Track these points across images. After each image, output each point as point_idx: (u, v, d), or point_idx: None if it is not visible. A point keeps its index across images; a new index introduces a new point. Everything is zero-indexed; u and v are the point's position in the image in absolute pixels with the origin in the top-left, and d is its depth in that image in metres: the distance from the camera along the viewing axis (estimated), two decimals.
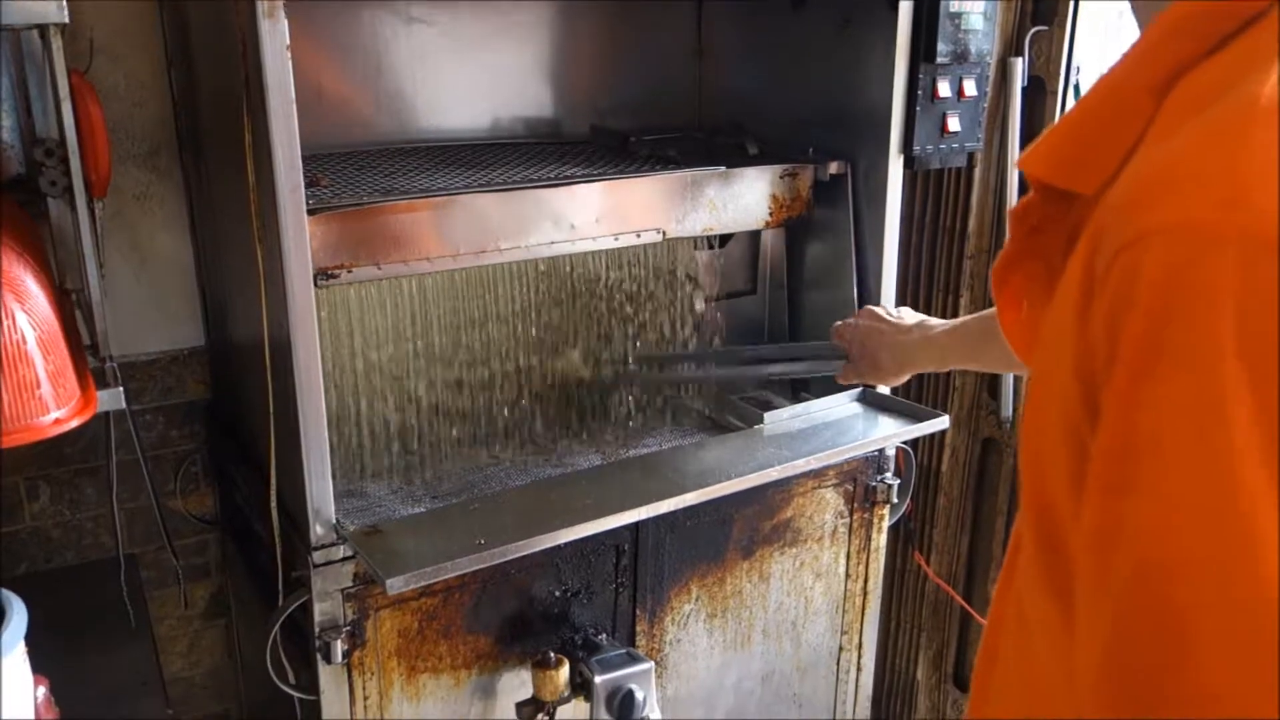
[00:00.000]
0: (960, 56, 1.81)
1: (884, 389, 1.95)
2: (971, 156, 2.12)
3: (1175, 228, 0.54)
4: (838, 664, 2.08)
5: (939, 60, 1.79)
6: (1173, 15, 0.64)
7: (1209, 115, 0.58)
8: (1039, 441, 0.67)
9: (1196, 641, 0.53)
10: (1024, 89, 2.23)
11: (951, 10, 1.77)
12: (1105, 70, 0.69)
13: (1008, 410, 2.39)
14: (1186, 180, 0.56)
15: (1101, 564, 0.57)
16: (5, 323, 1.17)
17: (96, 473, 2.00)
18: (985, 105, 1.90)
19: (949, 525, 2.55)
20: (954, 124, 1.85)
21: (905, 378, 1.70)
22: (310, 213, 1.39)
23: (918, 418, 1.86)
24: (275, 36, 1.29)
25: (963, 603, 2.53)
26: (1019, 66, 2.21)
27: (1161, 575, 0.54)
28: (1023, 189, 2.26)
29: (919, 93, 1.80)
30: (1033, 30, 2.21)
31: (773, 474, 1.69)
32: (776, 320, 2.13)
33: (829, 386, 1.94)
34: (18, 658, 1.24)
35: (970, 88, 1.85)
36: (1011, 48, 2.22)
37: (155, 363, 2.00)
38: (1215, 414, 0.52)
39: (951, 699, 2.68)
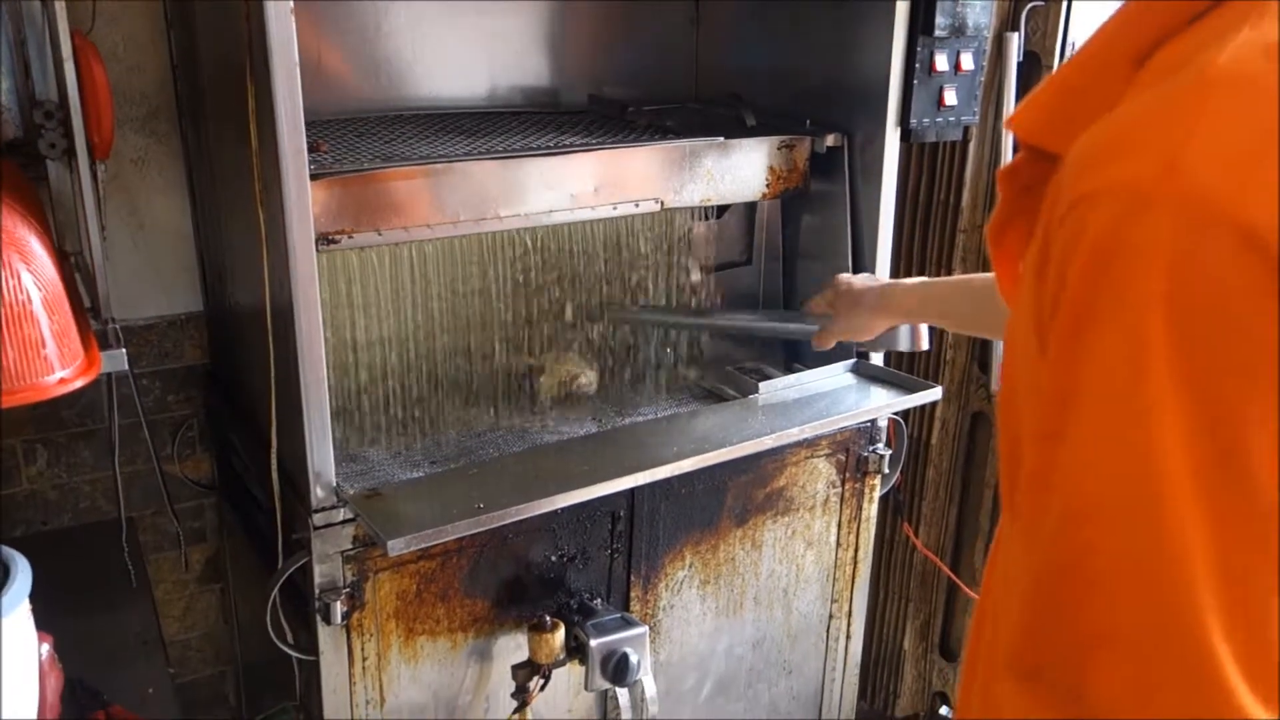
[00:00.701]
0: (958, 30, 1.82)
1: (876, 359, 1.98)
2: (966, 130, 2.13)
3: (1117, 189, 0.56)
4: (827, 631, 2.11)
5: (937, 33, 1.80)
6: None
7: (1164, 84, 0.60)
8: (1011, 394, 0.70)
9: (1098, 583, 0.57)
10: (1019, 64, 2.24)
11: None
12: (1091, 34, 0.71)
13: (997, 384, 2.41)
14: (1132, 144, 0.58)
15: (1036, 506, 0.61)
16: (11, 283, 1.18)
17: (93, 436, 2.01)
18: (981, 79, 1.91)
19: (937, 497, 2.57)
20: (950, 97, 1.86)
21: (881, 326, 1.69)
22: (313, 178, 1.40)
23: (910, 389, 1.88)
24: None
25: (950, 574, 2.56)
26: (1014, 41, 2.22)
27: (1078, 519, 0.58)
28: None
29: (916, 65, 1.81)
30: (1029, 5, 2.22)
31: (768, 442, 1.71)
32: (771, 292, 2.14)
33: (822, 357, 1.96)
34: (22, 615, 1.25)
35: (967, 61, 1.86)
36: (1008, 22, 2.23)
37: (152, 328, 2.00)
38: (1137, 369, 0.55)
39: (938, 669, 2.72)
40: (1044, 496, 0.60)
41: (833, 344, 1.76)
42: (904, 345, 1.75)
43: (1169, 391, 0.54)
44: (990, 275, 1.52)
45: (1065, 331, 0.58)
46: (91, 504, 2.04)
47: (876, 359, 1.98)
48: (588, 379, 1.92)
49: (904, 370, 2.12)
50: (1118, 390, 0.56)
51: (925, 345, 1.76)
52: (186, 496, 2.12)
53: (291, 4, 1.30)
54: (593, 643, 1.67)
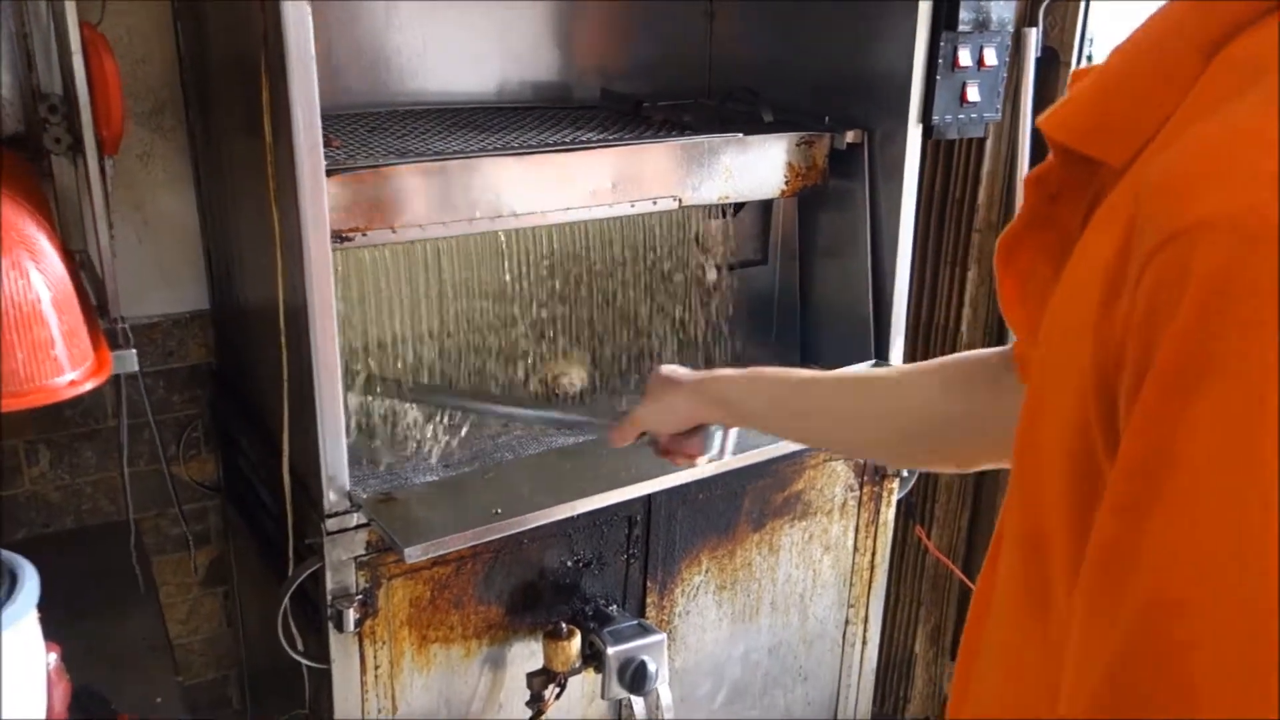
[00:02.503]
0: (982, 25, 1.79)
1: (895, 359, 1.94)
2: (986, 127, 2.10)
3: (1228, 222, 0.48)
4: (843, 637, 2.08)
5: (961, 28, 1.76)
6: None
7: (1265, 90, 0.51)
8: (1034, 438, 0.62)
9: (1202, 681, 0.49)
10: (1038, 60, 2.21)
11: None
12: (1140, 26, 0.63)
13: None
14: (1242, 167, 0.50)
15: (1111, 585, 0.53)
16: (20, 282, 1.14)
17: (96, 436, 1.97)
18: (1004, 75, 1.88)
19: (950, 500, 2.54)
20: (973, 94, 1.83)
21: (691, 412, 1.24)
22: (328, 173, 1.36)
23: None
24: None
25: (963, 577, 2.53)
26: (1033, 37, 2.18)
27: (1176, 607, 0.49)
28: (1035, 157, 2.25)
29: (939, 61, 1.78)
30: (1047, 1, 2.19)
31: (789, 446, 1.68)
32: (787, 291, 2.11)
33: (840, 359, 1.93)
34: (29, 624, 1.22)
35: (990, 57, 1.82)
36: (1026, 18, 2.20)
37: (156, 326, 1.96)
38: (1265, 433, 0.46)
39: (948, 673, 2.69)
40: (1124, 578, 0.51)
41: (632, 438, 1.32)
42: (713, 449, 1.30)
43: None
44: (860, 372, 1.30)
45: (1162, 390, 0.50)
46: (94, 506, 2.00)
47: (895, 359, 1.95)
48: (571, 379, 1.88)
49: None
50: (1235, 457, 0.47)
51: (730, 454, 1.34)
52: (190, 498, 2.08)
53: None
54: (610, 650, 1.63)
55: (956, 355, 1.09)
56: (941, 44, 1.77)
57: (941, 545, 2.56)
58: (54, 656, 1.30)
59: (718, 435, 1.29)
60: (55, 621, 1.27)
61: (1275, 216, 0.47)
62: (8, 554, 1.26)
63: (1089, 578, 0.54)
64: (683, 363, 1.97)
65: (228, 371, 1.99)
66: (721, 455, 1.32)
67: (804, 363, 2.05)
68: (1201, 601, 0.48)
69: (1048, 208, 0.68)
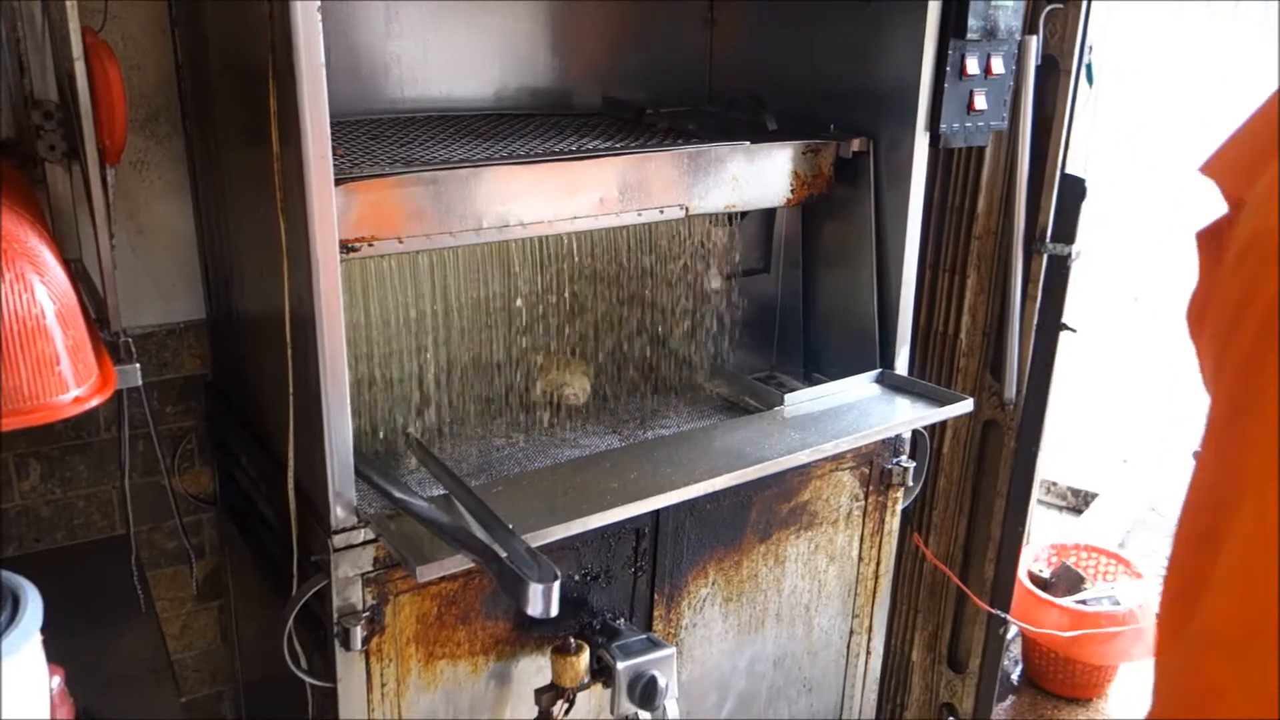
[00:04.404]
0: (990, 33, 1.78)
1: (900, 368, 1.93)
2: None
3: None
4: (848, 647, 2.06)
5: (969, 36, 1.75)
6: None
7: None
8: None
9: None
10: (1037, 68, 2.19)
11: None
12: None
13: (1011, 392, 2.37)
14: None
15: (1181, 613, 0.48)
16: (24, 296, 1.11)
17: (87, 450, 1.92)
18: (1011, 83, 1.87)
19: (948, 507, 2.53)
20: (980, 102, 1.82)
21: None
22: (335, 182, 1.33)
23: (940, 401, 1.83)
24: None
25: (960, 584, 2.52)
26: (1033, 44, 2.17)
27: (1229, 643, 0.45)
28: (1034, 165, 2.23)
29: (947, 69, 1.76)
30: (1048, 8, 2.18)
31: (802, 458, 1.66)
32: (789, 299, 2.09)
33: (844, 368, 1.92)
34: (34, 649, 1.18)
35: (998, 65, 1.81)
36: (1026, 25, 2.18)
37: (151, 336, 1.92)
38: None
39: (945, 680, 2.68)
40: (1190, 606, 0.47)
41: None
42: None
43: None
44: None
45: (1229, 402, 0.45)
46: (86, 520, 1.96)
47: (901, 367, 1.93)
48: (574, 390, 1.85)
49: (919, 377, 2.08)
50: None
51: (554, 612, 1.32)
52: (185, 511, 2.04)
53: (319, 4, 1.23)
54: (620, 665, 1.61)
55: None
56: (950, 52, 1.75)
57: (939, 552, 2.54)
58: (58, 680, 1.26)
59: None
60: (53, 642, 1.24)
61: None
62: (9, 575, 1.22)
63: (1163, 613, 0.49)
64: (683, 373, 1.95)
65: (223, 383, 1.95)
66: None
67: (807, 370, 2.03)
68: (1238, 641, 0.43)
69: (1219, 271, 0.59)
